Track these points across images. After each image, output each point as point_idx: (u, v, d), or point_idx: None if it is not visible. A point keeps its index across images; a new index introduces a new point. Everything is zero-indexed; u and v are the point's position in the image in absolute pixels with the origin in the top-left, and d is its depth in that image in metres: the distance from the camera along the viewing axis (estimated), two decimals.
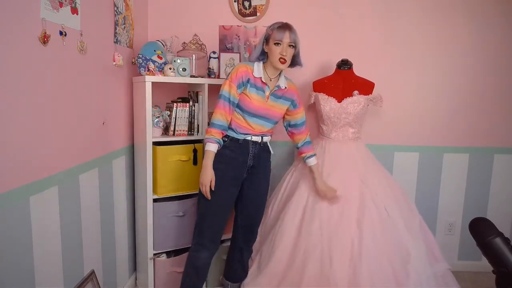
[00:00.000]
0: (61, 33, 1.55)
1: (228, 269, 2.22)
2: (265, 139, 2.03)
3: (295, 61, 1.97)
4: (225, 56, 2.59)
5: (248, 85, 1.91)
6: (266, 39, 1.92)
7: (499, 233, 1.47)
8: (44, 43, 1.44)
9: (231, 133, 1.96)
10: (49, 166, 1.53)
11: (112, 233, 2.17)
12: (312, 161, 2.13)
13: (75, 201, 1.74)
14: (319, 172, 2.13)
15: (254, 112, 1.92)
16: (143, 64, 2.21)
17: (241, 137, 1.95)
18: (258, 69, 1.93)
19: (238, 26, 2.69)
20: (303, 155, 2.15)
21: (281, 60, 1.88)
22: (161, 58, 2.26)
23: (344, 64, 2.42)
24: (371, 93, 2.39)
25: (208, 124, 1.99)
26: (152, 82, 2.14)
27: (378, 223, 2.03)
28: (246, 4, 2.67)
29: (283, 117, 2.10)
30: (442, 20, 2.65)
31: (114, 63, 2.09)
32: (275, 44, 1.87)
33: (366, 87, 2.39)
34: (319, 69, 2.71)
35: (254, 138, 1.98)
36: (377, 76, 2.53)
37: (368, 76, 2.46)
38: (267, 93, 1.95)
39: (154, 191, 2.27)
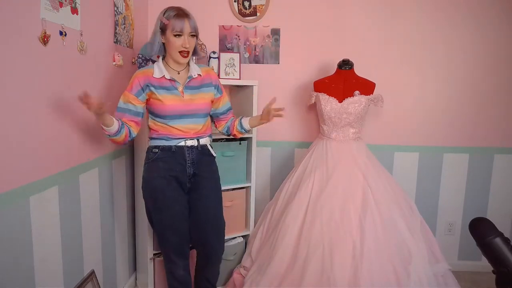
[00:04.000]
0: (61, 33, 1.55)
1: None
2: (203, 141, 1.84)
3: (194, 51, 1.79)
4: (225, 56, 2.58)
5: (153, 88, 1.72)
6: (162, 30, 1.70)
7: (499, 233, 1.47)
8: (44, 43, 1.44)
9: (161, 142, 1.78)
10: (49, 166, 1.53)
11: (112, 233, 2.16)
12: (244, 118, 1.96)
13: (75, 201, 1.74)
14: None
15: (172, 113, 1.73)
16: (143, 64, 2.21)
17: (173, 143, 1.77)
18: (158, 68, 1.74)
19: (238, 26, 2.69)
20: (236, 123, 1.96)
21: (183, 53, 1.69)
22: None
23: (345, 64, 2.42)
24: (372, 93, 2.39)
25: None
26: None
27: (379, 223, 2.03)
28: (246, 4, 2.67)
29: None
30: (442, 20, 2.65)
31: (114, 63, 2.09)
32: (174, 36, 1.67)
33: (367, 87, 2.39)
34: (320, 69, 2.71)
35: (189, 142, 1.79)
36: (377, 76, 2.53)
37: (369, 76, 2.46)
38: (180, 88, 1.76)
39: None
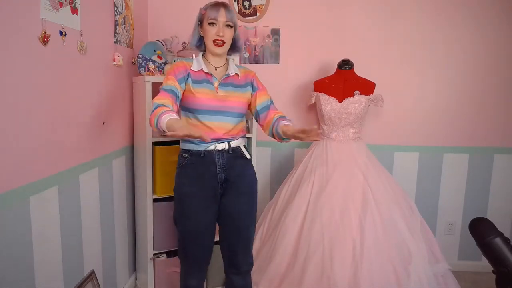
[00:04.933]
0: (61, 33, 1.55)
1: None
2: (234, 143, 1.71)
3: (234, 46, 1.73)
4: None
5: (190, 80, 1.65)
6: (200, 21, 1.68)
7: (499, 233, 1.47)
8: (44, 43, 1.44)
9: (190, 146, 1.68)
10: (49, 166, 1.53)
11: (112, 233, 2.16)
12: (282, 123, 1.66)
13: (75, 201, 1.74)
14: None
15: (205, 107, 1.64)
16: (143, 64, 2.21)
17: (202, 147, 1.67)
18: (197, 62, 1.69)
19: (238, 26, 2.68)
20: (275, 128, 1.68)
21: (217, 42, 1.62)
22: (161, 58, 2.26)
23: (345, 64, 2.42)
24: (372, 93, 2.39)
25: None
26: (152, 82, 2.14)
27: (379, 223, 2.03)
28: (246, 4, 2.67)
29: (250, 109, 1.80)
30: (442, 20, 2.65)
31: (114, 63, 2.09)
32: (209, 24, 1.62)
33: (367, 87, 2.40)
34: (320, 69, 2.71)
35: (219, 146, 1.68)
36: (377, 76, 2.53)
37: (369, 76, 2.46)
38: (216, 84, 1.68)
39: (154, 191, 2.27)
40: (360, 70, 2.47)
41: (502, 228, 1.66)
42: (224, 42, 1.64)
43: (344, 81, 2.41)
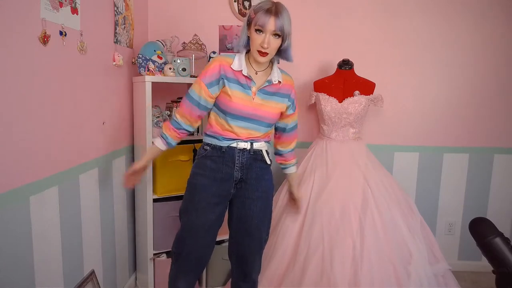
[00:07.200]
0: (61, 33, 1.55)
1: None
2: (257, 145, 1.66)
3: (283, 55, 1.64)
4: None
5: (226, 81, 1.58)
6: (249, 23, 1.56)
7: (499, 233, 1.47)
8: (44, 43, 1.44)
9: (213, 140, 1.65)
10: (49, 166, 1.53)
11: (112, 233, 2.16)
12: (293, 169, 1.90)
13: (75, 201, 1.74)
14: (299, 180, 2.00)
15: (236, 113, 1.58)
16: (143, 64, 2.21)
17: (224, 144, 1.63)
18: (238, 61, 1.59)
19: (238, 26, 2.69)
20: (286, 163, 1.87)
21: (261, 53, 1.54)
22: (161, 58, 2.26)
23: (345, 64, 2.42)
24: (372, 93, 2.39)
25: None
26: (152, 82, 2.14)
27: (379, 224, 2.03)
28: (246, 4, 2.66)
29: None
30: (442, 20, 2.65)
31: (114, 63, 2.09)
32: (256, 30, 1.52)
33: (367, 87, 2.40)
34: (320, 69, 2.71)
35: (241, 145, 1.63)
36: (377, 76, 2.53)
37: (369, 76, 2.46)
38: (254, 89, 1.60)
39: (154, 191, 2.27)
40: (360, 70, 2.47)
41: (502, 228, 1.66)
42: (267, 53, 1.55)
43: (344, 81, 2.41)
